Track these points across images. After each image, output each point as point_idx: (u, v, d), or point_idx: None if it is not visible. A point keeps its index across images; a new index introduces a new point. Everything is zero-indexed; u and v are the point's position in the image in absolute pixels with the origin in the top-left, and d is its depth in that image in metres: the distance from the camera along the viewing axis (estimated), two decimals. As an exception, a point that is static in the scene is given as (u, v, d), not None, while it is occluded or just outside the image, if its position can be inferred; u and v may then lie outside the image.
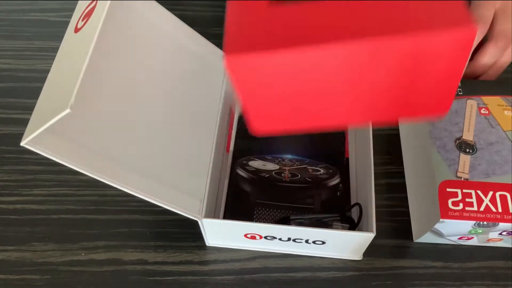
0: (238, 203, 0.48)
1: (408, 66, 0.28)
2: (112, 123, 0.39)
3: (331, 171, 0.50)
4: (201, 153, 0.46)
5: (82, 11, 0.40)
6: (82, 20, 0.38)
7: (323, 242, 0.44)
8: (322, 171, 0.50)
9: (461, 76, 0.33)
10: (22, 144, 0.32)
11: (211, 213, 0.46)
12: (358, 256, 0.47)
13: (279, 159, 0.51)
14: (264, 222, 0.47)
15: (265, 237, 0.44)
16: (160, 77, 0.45)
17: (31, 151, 0.33)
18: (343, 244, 0.45)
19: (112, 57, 0.39)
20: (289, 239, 0.44)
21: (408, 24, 0.26)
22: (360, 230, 0.45)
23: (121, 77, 0.40)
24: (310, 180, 0.50)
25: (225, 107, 0.50)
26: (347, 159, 0.52)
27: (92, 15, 0.38)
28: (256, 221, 0.47)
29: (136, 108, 0.42)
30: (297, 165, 0.51)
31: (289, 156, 0.52)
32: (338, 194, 0.49)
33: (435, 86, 0.30)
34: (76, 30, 0.38)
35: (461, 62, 0.28)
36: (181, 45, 0.49)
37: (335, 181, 0.50)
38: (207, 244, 0.48)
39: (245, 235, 0.44)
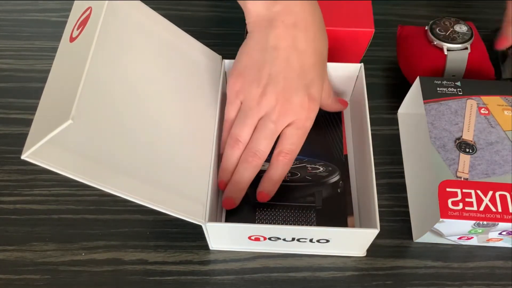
0: (239, 206, 0.48)
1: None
2: (113, 132, 0.38)
3: (330, 168, 0.51)
4: (201, 157, 0.46)
5: (77, 20, 0.39)
6: (77, 29, 0.38)
7: (327, 241, 0.44)
8: (321, 168, 0.51)
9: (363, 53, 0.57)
10: (22, 157, 0.32)
11: (214, 217, 0.46)
12: (362, 253, 0.47)
13: None
14: (266, 223, 0.47)
15: (269, 238, 0.44)
16: (157, 83, 0.45)
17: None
18: (347, 241, 0.45)
19: (109, 65, 0.39)
20: (293, 239, 0.44)
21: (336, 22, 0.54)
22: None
23: (119, 85, 0.40)
24: (310, 178, 0.50)
25: (222, 109, 0.50)
26: (346, 156, 0.52)
27: (88, 23, 0.37)
28: (258, 223, 0.47)
29: (135, 115, 0.41)
30: (296, 164, 0.51)
31: None
32: (339, 191, 0.49)
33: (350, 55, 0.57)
34: (72, 39, 0.38)
35: (363, 47, 0.56)
36: (177, 50, 0.49)
37: (335, 178, 0.50)
38: (210, 248, 0.48)
39: (249, 237, 0.44)
